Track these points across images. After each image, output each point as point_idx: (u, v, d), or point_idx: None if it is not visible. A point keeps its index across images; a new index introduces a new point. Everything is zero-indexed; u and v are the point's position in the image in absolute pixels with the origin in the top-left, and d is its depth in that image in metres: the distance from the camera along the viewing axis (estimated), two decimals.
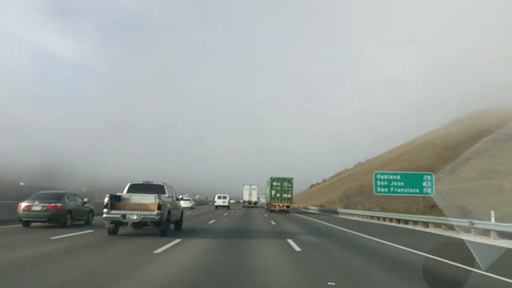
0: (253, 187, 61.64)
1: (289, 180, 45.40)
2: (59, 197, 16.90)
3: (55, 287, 6.18)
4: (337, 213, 43.71)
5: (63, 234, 13.32)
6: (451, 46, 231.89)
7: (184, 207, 20.19)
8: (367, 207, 45.69)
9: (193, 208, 46.31)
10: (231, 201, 67.92)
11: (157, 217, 13.14)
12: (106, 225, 13.73)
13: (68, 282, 6.55)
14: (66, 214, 16.51)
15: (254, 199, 61.68)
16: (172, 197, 15.76)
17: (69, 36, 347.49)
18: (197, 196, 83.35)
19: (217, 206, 52.98)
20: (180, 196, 18.55)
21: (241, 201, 67.70)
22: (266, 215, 35.87)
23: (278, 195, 44.98)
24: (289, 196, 45.15)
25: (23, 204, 16.04)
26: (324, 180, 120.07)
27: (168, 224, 14.26)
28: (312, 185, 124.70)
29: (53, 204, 16.10)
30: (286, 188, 45.03)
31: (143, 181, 15.25)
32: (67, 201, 16.93)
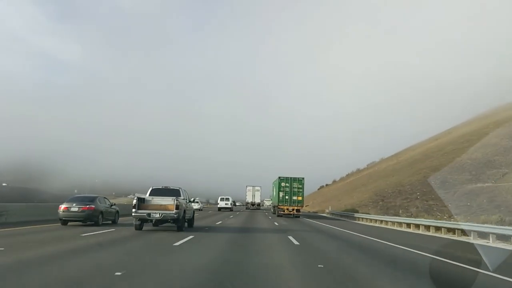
0: (257, 188, 60.45)
1: (300, 181, 40.66)
2: (92, 200, 19.73)
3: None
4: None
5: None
6: None
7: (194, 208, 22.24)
8: (411, 212, 34.36)
9: (201, 210, 46.44)
10: (237, 204, 68.70)
11: (175, 215, 16.46)
12: (134, 222, 16.87)
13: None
14: (98, 214, 19.37)
15: (257, 200, 60.43)
16: (186, 199, 18.63)
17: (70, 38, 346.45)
18: (198, 198, 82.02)
19: (220, 208, 53.19)
20: (192, 199, 21.30)
21: (239, 203, 68.63)
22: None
23: (287, 197, 40.29)
24: (300, 198, 40.42)
25: (62, 206, 18.94)
26: (335, 181, 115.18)
27: (184, 221, 17.50)
28: (322, 186, 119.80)
29: (88, 206, 18.98)
30: (296, 190, 40.32)
31: (162, 186, 18.20)
32: (98, 203, 19.78)
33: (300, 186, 40.53)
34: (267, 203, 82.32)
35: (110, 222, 20.95)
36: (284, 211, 40.24)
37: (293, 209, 40.11)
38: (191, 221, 19.71)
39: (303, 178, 40.85)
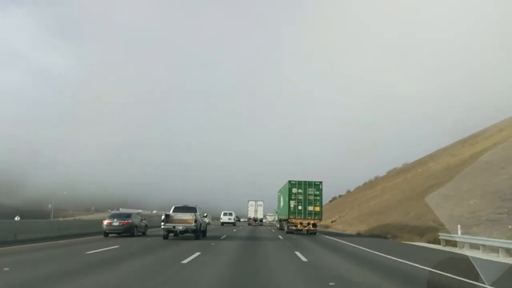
0: (259, 203, 58.27)
1: (317, 186, 30.60)
2: (128, 216, 24.74)
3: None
4: None
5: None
6: None
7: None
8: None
9: (209, 224, 45.82)
10: (242, 220, 69.36)
11: (194, 227, 21.39)
12: (162, 233, 21.66)
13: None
14: (134, 227, 23.95)
15: (260, 216, 58.47)
16: (201, 214, 23.43)
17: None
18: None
19: (223, 223, 52.93)
20: (205, 214, 26.26)
21: (243, 219, 66.06)
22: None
23: (300, 207, 30.21)
24: (317, 209, 30.30)
25: (105, 221, 23.51)
26: (349, 192, 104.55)
27: (200, 232, 22.43)
28: (334, 198, 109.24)
29: (126, 221, 23.49)
30: (312, 198, 30.26)
31: (182, 204, 23.24)
32: (134, 219, 24.48)
33: (318, 193, 30.48)
34: (270, 218, 79.20)
35: (141, 233, 25.32)
36: (296, 225, 30.18)
37: (308, 224, 30.03)
38: (204, 232, 24.24)
39: (320, 182, 30.78)
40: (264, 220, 64.47)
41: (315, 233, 30.96)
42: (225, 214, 55.17)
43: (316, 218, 30.10)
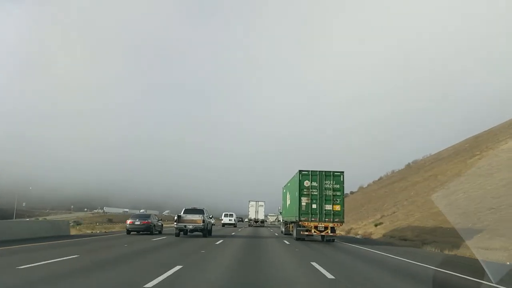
0: (260, 203, 56.53)
1: (337, 177, 22.98)
2: (148, 216, 29.08)
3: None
4: None
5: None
6: None
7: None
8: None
9: (214, 224, 45.46)
10: (245, 220, 68.74)
11: (202, 227, 24.51)
12: (175, 231, 24.95)
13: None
14: (152, 226, 27.48)
15: (261, 217, 56.77)
16: (207, 216, 26.70)
17: None
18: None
19: (224, 224, 53.13)
20: (211, 215, 30.78)
21: (247, 219, 63.82)
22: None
23: (314, 206, 22.64)
24: (338, 208, 22.67)
25: (128, 221, 27.92)
26: (362, 188, 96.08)
27: (207, 231, 25.56)
28: (351, 193, 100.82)
29: (146, 221, 27.45)
30: (331, 193, 22.68)
31: (192, 207, 26.00)
32: (152, 219, 28.32)
33: (338, 186, 22.87)
34: (271, 218, 75.24)
35: (157, 232, 28.72)
36: (309, 230, 22.65)
37: (325, 228, 22.48)
38: (210, 231, 27.32)
39: (341, 172, 23.12)
40: (266, 221, 62.69)
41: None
42: (225, 215, 55.25)
43: (336, 220, 22.50)
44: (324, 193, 22.65)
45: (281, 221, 36.77)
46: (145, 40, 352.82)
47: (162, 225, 30.82)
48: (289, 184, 28.87)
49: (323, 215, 22.48)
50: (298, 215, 22.80)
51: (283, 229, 33.22)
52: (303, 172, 23.10)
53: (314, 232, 22.55)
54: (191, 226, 24.44)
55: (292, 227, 26.97)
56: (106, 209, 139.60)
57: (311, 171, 23.06)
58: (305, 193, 22.79)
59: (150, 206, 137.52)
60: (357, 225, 38.58)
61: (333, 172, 23.00)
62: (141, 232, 27.23)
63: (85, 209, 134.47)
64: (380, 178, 75.28)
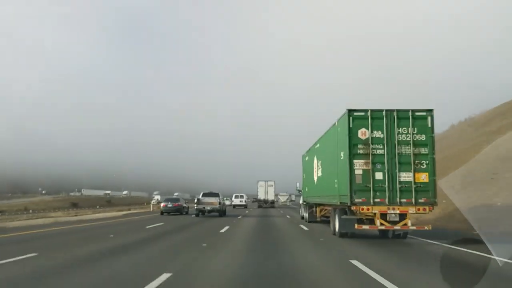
0: (270, 183, 54.77)
1: (422, 120, 12.19)
2: (178, 199, 34.05)
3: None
4: None
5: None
6: None
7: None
8: None
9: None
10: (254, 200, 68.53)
11: (219, 208, 27.85)
12: (195, 212, 28.45)
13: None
14: (182, 208, 32.05)
15: (271, 197, 54.73)
16: (222, 198, 30.80)
17: None
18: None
19: (234, 205, 52.64)
20: (225, 198, 37.88)
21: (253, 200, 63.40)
22: None
23: (380, 175, 11.98)
24: (425, 179, 11.92)
25: (162, 204, 32.95)
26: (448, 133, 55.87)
27: (223, 211, 28.90)
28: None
29: (177, 203, 32.08)
30: (410, 150, 12.00)
31: (209, 191, 29.28)
32: (181, 201, 33.38)
33: (423, 138, 12.09)
34: (282, 198, 71.01)
35: (185, 213, 32.31)
36: (371, 220, 12.22)
37: (402, 216, 11.91)
38: (225, 212, 30.02)
39: (428, 111, 12.28)
40: (276, 201, 60.64)
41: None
42: (236, 196, 55.13)
43: (421, 201, 11.85)
44: (397, 151, 12.01)
45: (302, 203, 26.36)
46: None
47: (188, 207, 34.69)
48: (320, 144, 18.18)
49: (396, 192, 11.89)
50: (348, 192, 12.12)
51: (305, 214, 23.02)
52: (355, 114, 12.33)
53: (381, 224, 11.98)
54: (209, 208, 27.65)
55: (323, 211, 17.14)
56: (84, 191, 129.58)
57: (372, 110, 12.32)
58: (360, 152, 12.13)
59: (139, 188, 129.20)
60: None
61: (413, 111, 12.23)
62: (171, 213, 31.46)
63: (62, 193, 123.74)
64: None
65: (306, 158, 23.29)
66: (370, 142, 12.09)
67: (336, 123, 13.92)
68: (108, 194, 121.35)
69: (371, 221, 12.32)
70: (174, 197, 38.73)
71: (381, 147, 12.09)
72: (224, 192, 54.99)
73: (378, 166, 12.03)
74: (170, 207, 31.57)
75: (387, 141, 12.09)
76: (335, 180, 14.05)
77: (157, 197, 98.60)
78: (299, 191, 28.52)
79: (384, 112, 12.21)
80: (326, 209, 18.55)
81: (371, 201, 11.90)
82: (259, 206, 53.16)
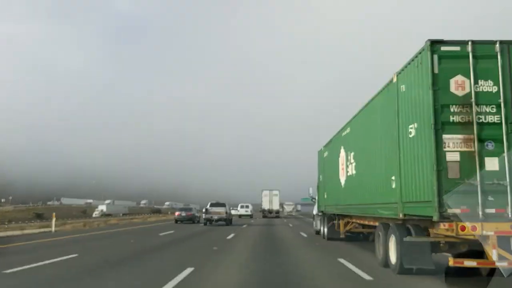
0: (274, 192, 53.28)
1: None
2: (191, 209, 36.26)
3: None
4: None
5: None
6: None
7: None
8: None
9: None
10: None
11: (226, 217, 29.62)
12: (203, 221, 29.93)
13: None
14: (194, 217, 34.61)
15: (275, 207, 53.09)
16: (229, 207, 32.95)
17: None
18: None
19: (240, 215, 51.88)
20: (231, 208, 39.82)
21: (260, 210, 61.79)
22: None
23: (490, 164, 6.28)
24: None
25: (176, 213, 34.95)
26: None
27: (229, 220, 30.85)
28: None
29: (190, 213, 34.55)
30: None
31: (216, 201, 30.91)
32: (194, 211, 35.88)
33: None
34: (288, 208, 68.44)
35: (197, 222, 34.13)
36: (479, 252, 6.48)
37: None
38: (231, 221, 32.14)
39: None
40: (281, 211, 59.38)
41: None
42: (242, 206, 54.47)
43: None
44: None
45: (318, 213, 20.52)
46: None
47: (199, 216, 35.80)
48: (353, 127, 12.41)
49: None
50: (433, 196, 6.49)
51: (323, 228, 17.36)
52: (444, 49, 6.68)
53: (501, 258, 6.22)
54: (216, 217, 29.34)
55: (349, 225, 14.23)
56: (64, 200, 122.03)
57: (475, 42, 6.66)
58: (456, 120, 6.53)
59: (125, 197, 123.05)
60: None
61: None
62: (184, 222, 33.40)
63: (30, 203, 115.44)
64: None
65: (325, 154, 17.58)
66: (473, 101, 6.47)
67: (395, 78, 8.22)
68: (90, 203, 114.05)
69: (474, 251, 6.62)
70: (187, 207, 41.83)
71: (495, 110, 6.45)
72: (230, 201, 52.05)
73: (490, 146, 6.42)
74: (183, 216, 34.04)
75: (505, 99, 6.46)
76: (392, 178, 8.36)
77: (102, 207, 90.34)
78: (313, 198, 22.73)
79: (498, 46, 6.57)
80: (353, 222, 13.38)
81: (479, 213, 6.22)
82: (264, 216, 51.52)
